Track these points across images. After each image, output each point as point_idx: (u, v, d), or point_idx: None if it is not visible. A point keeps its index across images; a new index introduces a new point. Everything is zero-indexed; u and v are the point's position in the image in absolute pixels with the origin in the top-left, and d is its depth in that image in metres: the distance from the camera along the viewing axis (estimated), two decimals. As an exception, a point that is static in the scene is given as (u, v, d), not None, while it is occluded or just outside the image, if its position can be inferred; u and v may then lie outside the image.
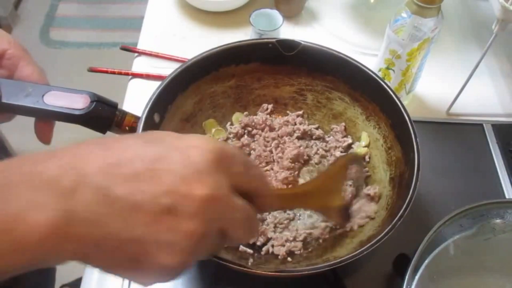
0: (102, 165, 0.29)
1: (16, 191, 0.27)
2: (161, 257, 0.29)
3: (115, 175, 0.29)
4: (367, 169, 0.64)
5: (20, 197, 0.27)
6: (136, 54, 0.84)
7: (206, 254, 0.32)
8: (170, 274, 0.31)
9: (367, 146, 0.66)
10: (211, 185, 0.30)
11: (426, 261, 0.51)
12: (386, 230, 0.49)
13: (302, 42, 0.65)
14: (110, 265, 0.30)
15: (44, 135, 0.53)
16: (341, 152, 0.66)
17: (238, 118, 0.69)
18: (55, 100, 0.50)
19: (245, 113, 0.69)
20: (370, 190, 0.62)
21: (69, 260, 0.29)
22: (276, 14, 0.79)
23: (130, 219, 0.28)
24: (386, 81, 0.64)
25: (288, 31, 0.87)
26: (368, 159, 0.65)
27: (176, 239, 0.29)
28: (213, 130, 0.68)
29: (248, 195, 0.34)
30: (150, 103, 0.58)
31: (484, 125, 0.75)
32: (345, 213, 0.55)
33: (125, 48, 0.85)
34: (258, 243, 0.58)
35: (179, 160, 0.30)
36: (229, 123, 0.69)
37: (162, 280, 0.31)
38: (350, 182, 0.58)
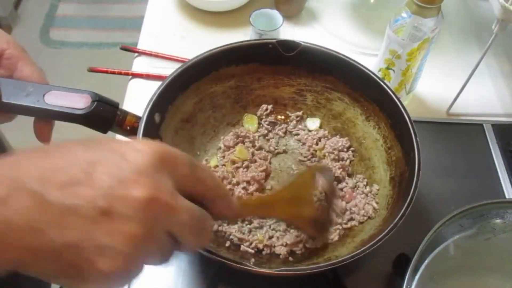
0: (38, 171, 0.28)
1: None
2: (101, 263, 0.28)
3: (51, 181, 0.28)
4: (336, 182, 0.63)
5: None
6: (136, 54, 0.84)
7: (157, 259, 0.32)
8: (114, 280, 0.29)
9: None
10: (150, 186, 0.29)
11: (426, 261, 0.51)
12: (388, 229, 0.49)
13: (302, 43, 0.65)
14: (50, 274, 0.29)
15: (43, 135, 0.53)
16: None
17: (251, 120, 0.69)
18: (56, 100, 0.50)
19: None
20: (370, 189, 0.62)
21: (7, 268, 0.28)
22: (276, 14, 0.79)
23: (65, 224, 0.28)
24: (385, 81, 0.64)
25: (288, 31, 0.87)
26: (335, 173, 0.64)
27: (115, 243, 0.28)
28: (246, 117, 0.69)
29: (203, 199, 0.34)
30: (151, 103, 0.58)
31: (484, 125, 0.75)
32: (318, 224, 0.54)
33: (125, 48, 0.85)
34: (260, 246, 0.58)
35: (117, 163, 0.29)
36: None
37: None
38: (322, 194, 0.55)
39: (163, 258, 0.32)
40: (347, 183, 0.63)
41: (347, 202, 0.62)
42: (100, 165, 0.29)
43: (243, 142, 0.67)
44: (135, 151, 0.30)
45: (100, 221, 0.28)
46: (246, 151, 0.65)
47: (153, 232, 0.30)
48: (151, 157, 0.30)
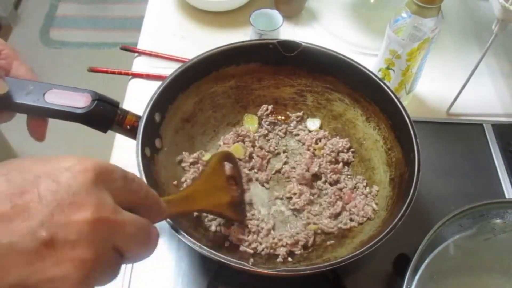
0: None
1: None
2: None
3: None
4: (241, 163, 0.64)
5: None
6: (136, 54, 0.84)
7: (109, 277, 0.30)
8: None
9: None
10: (91, 206, 0.28)
11: (426, 261, 0.51)
12: (387, 230, 0.49)
13: (303, 43, 0.65)
14: None
15: (37, 132, 0.52)
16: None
17: (251, 121, 0.69)
18: (56, 99, 0.50)
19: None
20: (370, 190, 0.62)
21: None
22: (276, 14, 0.79)
23: (7, 264, 0.25)
24: (386, 82, 0.64)
25: (288, 31, 0.87)
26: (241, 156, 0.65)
27: (67, 271, 0.27)
28: (246, 117, 0.70)
29: (136, 208, 0.33)
30: (151, 103, 0.58)
31: (484, 125, 0.75)
32: (239, 208, 0.57)
33: (125, 48, 0.85)
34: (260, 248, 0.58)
35: (49, 187, 0.27)
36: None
37: None
38: (231, 178, 0.58)
39: (113, 274, 0.31)
40: (346, 185, 0.63)
41: (346, 203, 0.62)
42: (30, 193, 0.27)
43: (243, 141, 0.67)
44: (65, 171, 0.28)
45: (43, 253, 0.26)
46: (242, 149, 0.66)
47: (103, 252, 0.28)
48: (84, 175, 0.28)
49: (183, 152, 0.64)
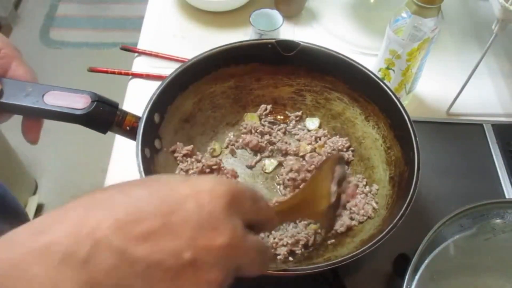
0: (114, 225, 0.28)
1: (31, 274, 0.26)
2: None
3: (131, 234, 0.27)
4: (347, 167, 0.65)
5: (37, 279, 0.26)
6: (136, 54, 0.84)
7: None
8: None
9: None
10: (228, 232, 0.30)
11: (426, 261, 0.51)
12: (388, 229, 0.49)
13: (301, 43, 0.65)
14: None
15: (31, 135, 0.52)
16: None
17: (251, 118, 0.69)
18: (55, 100, 0.50)
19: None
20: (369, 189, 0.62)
21: None
22: (276, 14, 0.79)
23: (152, 278, 0.28)
24: (385, 81, 0.64)
25: (288, 31, 0.87)
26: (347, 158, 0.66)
27: None
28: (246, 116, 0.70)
29: (257, 225, 0.35)
30: (150, 104, 0.58)
31: (484, 125, 0.75)
32: (332, 213, 0.54)
33: (125, 48, 0.85)
34: None
35: (193, 209, 0.29)
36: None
37: None
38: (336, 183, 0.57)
39: None
40: (351, 180, 0.64)
41: (349, 200, 0.62)
42: (176, 214, 0.29)
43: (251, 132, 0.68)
44: (206, 194, 0.30)
45: (185, 272, 0.28)
46: (256, 117, 0.68)
47: (230, 273, 0.31)
48: (223, 200, 0.30)
49: (177, 143, 0.63)
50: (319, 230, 0.58)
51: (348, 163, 0.66)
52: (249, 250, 0.32)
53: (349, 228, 0.59)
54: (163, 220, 0.28)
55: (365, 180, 0.64)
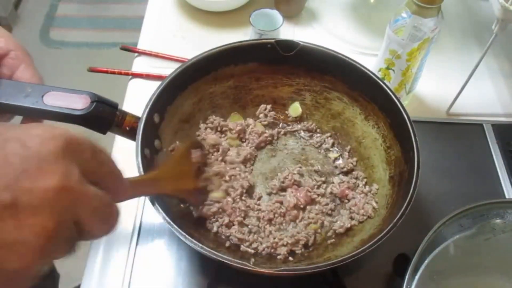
0: None
1: None
2: (9, 261, 0.26)
3: None
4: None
5: None
6: (136, 54, 0.84)
7: (64, 252, 0.30)
8: (22, 279, 0.28)
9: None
10: (58, 174, 0.27)
11: (426, 261, 0.51)
12: (388, 229, 0.49)
13: (301, 43, 0.65)
14: None
15: None
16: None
17: (236, 120, 0.69)
18: (55, 101, 0.50)
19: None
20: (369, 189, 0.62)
21: None
22: (276, 14, 0.79)
23: None
24: (384, 80, 0.64)
25: (288, 31, 0.87)
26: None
27: (27, 237, 0.26)
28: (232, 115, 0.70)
29: (99, 183, 0.32)
30: (150, 104, 0.58)
31: (484, 125, 0.75)
32: (198, 194, 0.58)
33: (125, 48, 0.85)
34: (260, 248, 0.58)
35: (17, 151, 0.27)
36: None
37: None
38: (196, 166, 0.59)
39: (69, 250, 0.30)
40: (342, 180, 0.64)
41: (340, 197, 0.62)
42: None
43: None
44: (35, 137, 0.28)
45: (4, 216, 0.26)
46: (242, 118, 0.69)
47: (63, 222, 0.28)
48: (54, 143, 0.28)
49: (177, 142, 0.64)
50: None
51: (350, 171, 0.66)
52: (87, 198, 0.29)
53: (349, 228, 0.59)
54: None
55: (365, 179, 0.64)
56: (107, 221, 0.32)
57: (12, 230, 0.26)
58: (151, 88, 0.60)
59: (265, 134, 0.67)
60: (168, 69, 0.64)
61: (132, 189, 0.41)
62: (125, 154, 0.57)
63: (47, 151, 0.28)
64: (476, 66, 0.68)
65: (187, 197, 0.57)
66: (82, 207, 0.29)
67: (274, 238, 0.58)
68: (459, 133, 0.75)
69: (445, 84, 0.80)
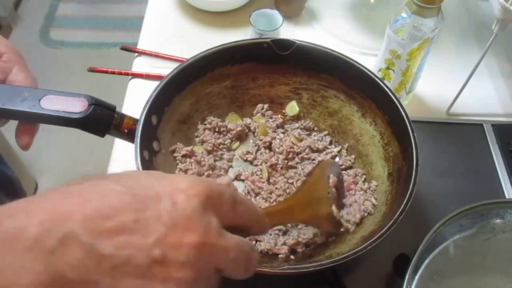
0: (84, 218, 0.27)
1: None
2: None
3: (99, 230, 0.27)
4: (343, 172, 0.65)
5: (2, 260, 0.25)
6: (136, 54, 0.84)
7: None
8: None
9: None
10: (200, 230, 0.29)
11: (426, 261, 0.51)
12: (389, 225, 0.49)
13: (297, 41, 0.65)
14: None
15: (24, 139, 0.52)
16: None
17: (234, 120, 0.69)
18: (52, 104, 0.50)
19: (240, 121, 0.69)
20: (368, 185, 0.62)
21: None
22: (276, 14, 0.79)
23: (119, 275, 0.27)
24: (380, 77, 0.64)
25: (288, 31, 0.87)
26: (341, 163, 0.65)
27: None
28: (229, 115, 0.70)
29: (241, 227, 0.34)
30: (147, 106, 0.58)
31: (484, 125, 0.75)
32: (334, 220, 0.55)
33: (125, 48, 0.85)
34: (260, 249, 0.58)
35: (166, 207, 0.29)
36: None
37: None
38: (333, 190, 0.57)
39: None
40: (348, 174, 0.64)
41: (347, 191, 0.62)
42: (148, 210, 0.28)
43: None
44: (180, 193, 0.30)
45: (154, 269, 0.28)
46: (239, 118, 0.70)
47: (204, 273, 0.30)
48: (198, 199, 0.30)
49: (178, 143, 0.64)
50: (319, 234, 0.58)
51: (349, 168, 0.66)
52: (227, 249, 0.31)
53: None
54: (134, 216, 0.28)
55: (364, 176, 0.64)
56: (246, 267, 0.33)
57: (158, 283, 0.28)
58: (151, 88, 0.60)
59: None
60: (168, 69, 0.64)
61: (269, 223, 0.42)
62: (125, 154, 0.58)
63: (193, 209, 0.29)
64: (476, 66, 0.68)
65: (321, 225, 0.55)
66: (221, 258, 0.31)
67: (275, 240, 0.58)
68: (459, 133, 0.75)
69: (445, 84, 0.80)
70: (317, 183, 0.54)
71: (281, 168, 0.65)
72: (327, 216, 0.54)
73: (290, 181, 0.64)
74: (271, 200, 0.62)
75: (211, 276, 0.31)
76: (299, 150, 0.66)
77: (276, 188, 0.63)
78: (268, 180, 0.64)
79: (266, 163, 0.65)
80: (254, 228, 0.36)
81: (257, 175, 0.64)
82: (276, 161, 0.65)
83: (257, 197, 0.62)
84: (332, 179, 0.55)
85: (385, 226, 0.50)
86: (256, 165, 0.66)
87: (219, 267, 0.31)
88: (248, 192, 0.63)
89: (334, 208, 0.53)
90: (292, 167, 0.65)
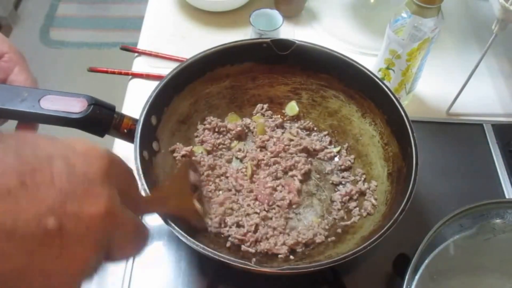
0: None
1: None
2: None
3: None
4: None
5: None
6: (136, 54, 0.84)
7: (89, 276, 0.27)
8: None
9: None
10: (104, 199, 0.26)
11: (426, 261, 0.51)
12: (389, 225, 0.49)
13: (296, 41, 0.65)
14: None
15: None
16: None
17: (233, 120, 0.69)
18: (52, 104, 0.50)
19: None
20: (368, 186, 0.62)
21: None
22: (276, 14, 0.79)
23: (7, 248, 0.23)
24: (380, 77, 0.64)
25: (288, 31, 0.87)
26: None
27: (64, 268, 0.25)
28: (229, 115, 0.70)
29: (127, 203, 0.30)
30: (147, 106, 0.58)
31: (484, 125, 0.75)
32: (197, 214, 0.55)
33: (125, 48, 0.85)
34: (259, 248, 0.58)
35: (63, 169, 0.25)
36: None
37: None
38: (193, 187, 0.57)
39: (93, 275, 0.28)
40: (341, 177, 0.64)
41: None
42: (42, 172, 0.24)
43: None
44: (80, 155, 0.26)
45: (46, 242, 0.24)
46: (239, 119, 0.69)
47: (101, 249, 0.27)
48: (99, 163, 0.26)
49: (177, 143, 0.64)
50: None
51: (349, 168, 0.66)
52: (127, 223, 0.28)
53: (349, 225, 0.59)
54: (21, 179, 0.23)
55: (363, 176, 0.64)
56: (138, 244, 0.31)
57: (51, 260, 0.24)
58: (151, 88, 0.60)
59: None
60: (168, 69, 0.64)
61: (147, 207, 0.40)
62: (125, 154, 0.57)
63: (93, 172, 0.26)
64: (476, 66, 0.68)
65: (186, 217, 0.54)
66: (119, 232, 0.28)
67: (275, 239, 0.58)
68: (459, 133, 0.75)
69: (445, 84, 0.80)
70: (182, 178, 0.54)
71: (265, 164, 0.64)
72: (192, 210, 0.54)
73: (269, 178, 0.63)
74: (249, 198, 0.61)
75: (103, 250, 0.28)
76: (294, 150, 0.66)
77: (257, 186, 0.62)
78: (251, 178, 0.63)
79: (252, 160, 0.65)
80: (138, 206, 0.33)
81: (241, 172, 0.64)
82: (263, 158, 0.65)
83: (238, 194, 0.62)
84: (193, 176, 0.56)
85: (385, 226, 0.50)
86: (245, 163, 0.66)
87: (113, 243, 0.28)
88: (230, 190, 0.62)
89: (196, 202, 0.54)
90: (276, 162, 0.65)
